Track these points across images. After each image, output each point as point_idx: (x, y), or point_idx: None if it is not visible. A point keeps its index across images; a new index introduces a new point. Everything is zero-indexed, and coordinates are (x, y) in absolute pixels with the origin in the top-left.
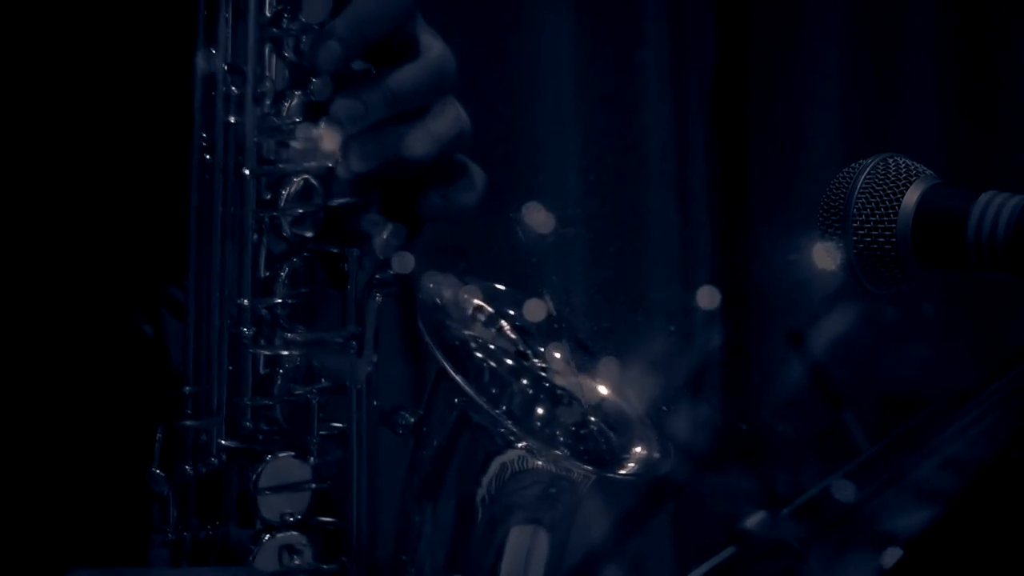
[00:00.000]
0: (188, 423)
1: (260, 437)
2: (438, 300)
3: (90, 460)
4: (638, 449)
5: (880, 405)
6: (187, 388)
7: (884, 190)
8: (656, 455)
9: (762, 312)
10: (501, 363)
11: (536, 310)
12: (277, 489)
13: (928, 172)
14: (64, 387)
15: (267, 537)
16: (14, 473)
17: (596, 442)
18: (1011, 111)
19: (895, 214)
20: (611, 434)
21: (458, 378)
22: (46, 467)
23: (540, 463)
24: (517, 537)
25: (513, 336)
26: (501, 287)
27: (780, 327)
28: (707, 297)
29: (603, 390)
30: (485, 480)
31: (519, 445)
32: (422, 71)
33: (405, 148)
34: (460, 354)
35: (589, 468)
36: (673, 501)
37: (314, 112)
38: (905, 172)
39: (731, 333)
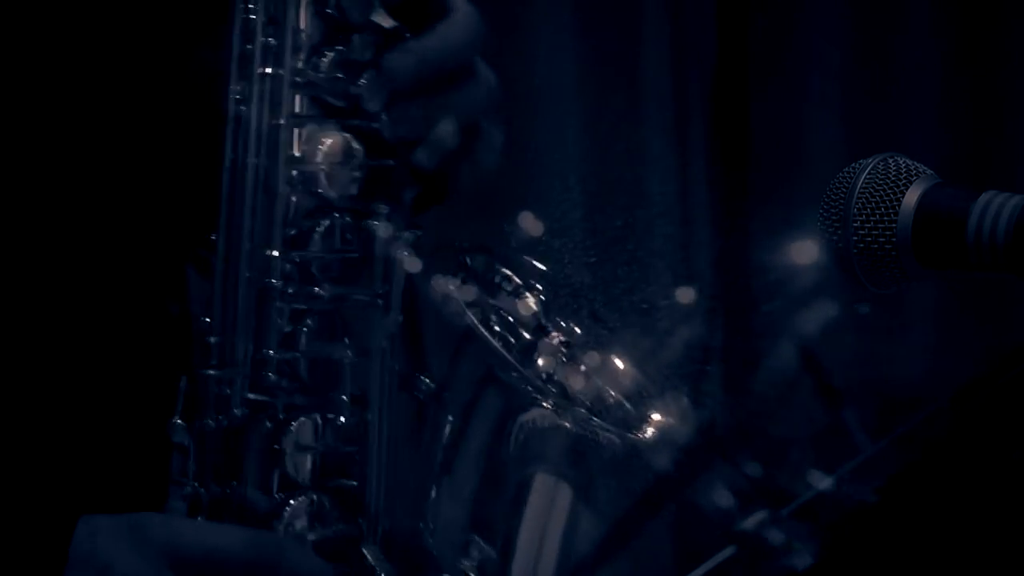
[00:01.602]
0: (211, 372)
1: (282, 392)
2: (468, 264)
3: (108, 411)
4: (657, 416)
5: (880, 405)
6: (212, 338)
7: (884, 190)
8: (675, 422)
9: (763, 312)
10: (521, 336)
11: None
12: (298, 449)
13: (928, 172)
14: (83, 337)
15: (287, 499)
16: (31, 421)
17: (614, 413)
18: (1011, 111)
19: (895, 214)
20: (627, 404)
21: (486, 334)
22: (59, 418)
23: (566, 423)
24: (541, 485)
25: (535, 308)
26: (534, 262)
27: (781, 327)
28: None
29: (619, 363)
30: (509, 438)
31: (545, 404)
32: (458, 29)
33: (445, 112)
34: (485, 319)
35: (612, 428)
36: (673, 502)
37: (351, 69)
38: (905, 172)
39: (732, 333)
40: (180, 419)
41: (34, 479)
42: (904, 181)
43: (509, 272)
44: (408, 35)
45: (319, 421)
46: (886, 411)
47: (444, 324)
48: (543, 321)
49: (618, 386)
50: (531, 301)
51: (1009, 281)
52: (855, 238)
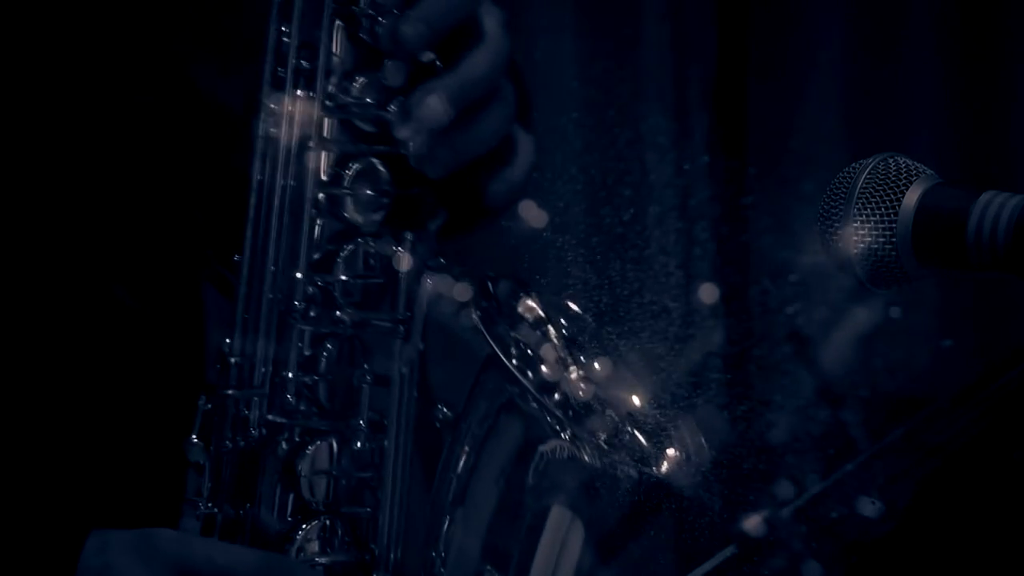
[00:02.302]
0: (230, 392)
1: (300, 415)
2: (492, 293)
3: (120, 426)
4: (671, 452)
5: (880, 405)
6: (232, 359)
7: (884, 190)
8: (688, 457)
9: (763, 312)
10: (539, 370)
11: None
12: (314, 473)
13: (928, 172)
14: (95, 350)
15: (300, 522)
16: (47, 435)
17: (630, 448)
18: (1011, 111)
19: (895, 214)
20: (643, 440)
21: (509, 364)
22: (73, 431)
23: (584, 456)
24: (556, 519)
25: (557, 343)
26: (570, 303)
27: (782, 327)
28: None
29: (636, 400)
30: (525, 469)
31: (563, 436)
32: (490, 55)
33: (477, 145)
34: (506, 349)
35: (630, 461)
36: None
37: (382, 95)
38: (905, 172)
39: (732, 333)
40: (197, 438)
41: (48, 493)
42: (904, 181)
43: (533, 303)
44: (438, 62)
45: (335, 446)
46: (886, 411)
47: (465, 351)
48: (563, 354)
49: (635, 421)
50: (553, 334)
51: (1009, 281)
52: (855, 238)
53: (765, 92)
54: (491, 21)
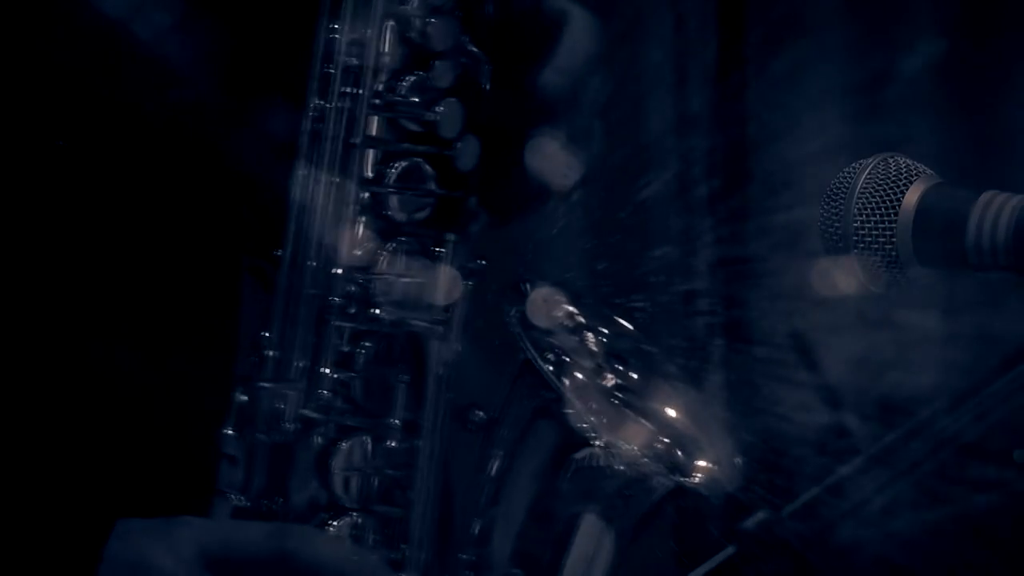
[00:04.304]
0: (266, 385)
1: (335, 411)
2: (529, 298)
3: (154, 418)
4: (703, 463)
5: (880, 405)
6: (270, 352)
7: (884, 190)
8: (720, 469)
9: (763, 312)
10: (574, 375)
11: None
12: (347, 470)
13: (928, 172)
14: (127, 339)
15: (331, 519)
16: (79, 426)
17: (663, 458)
18: (1011, 111)
19: (895, 214)
20: (677, 450)
21: (547, 368)
22: (105, 423)
23: (619, 463)
24: (588, 527)
25: (595, 350)
26: (620, 319)
27: (782, 327)
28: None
29: (670, 411)
30: (558, 475)
31: (598, 443)
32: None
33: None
34: (543, 354)
35: (665, 470)
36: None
37: (430, 95)
38: (905, 172)
39: (732, 333)
40: (232, 430)
41: (79, 482)
42: (904, 181)
43: (573, 308)
44: (487, 61)
45: (370, 443)
46: (886, 411)
47: (501, 354)
48: (600, 362)
49: (668, 432)
50: (591, 340)
51: (1009, 281)
52: (855, 238)
53: (765, 92)
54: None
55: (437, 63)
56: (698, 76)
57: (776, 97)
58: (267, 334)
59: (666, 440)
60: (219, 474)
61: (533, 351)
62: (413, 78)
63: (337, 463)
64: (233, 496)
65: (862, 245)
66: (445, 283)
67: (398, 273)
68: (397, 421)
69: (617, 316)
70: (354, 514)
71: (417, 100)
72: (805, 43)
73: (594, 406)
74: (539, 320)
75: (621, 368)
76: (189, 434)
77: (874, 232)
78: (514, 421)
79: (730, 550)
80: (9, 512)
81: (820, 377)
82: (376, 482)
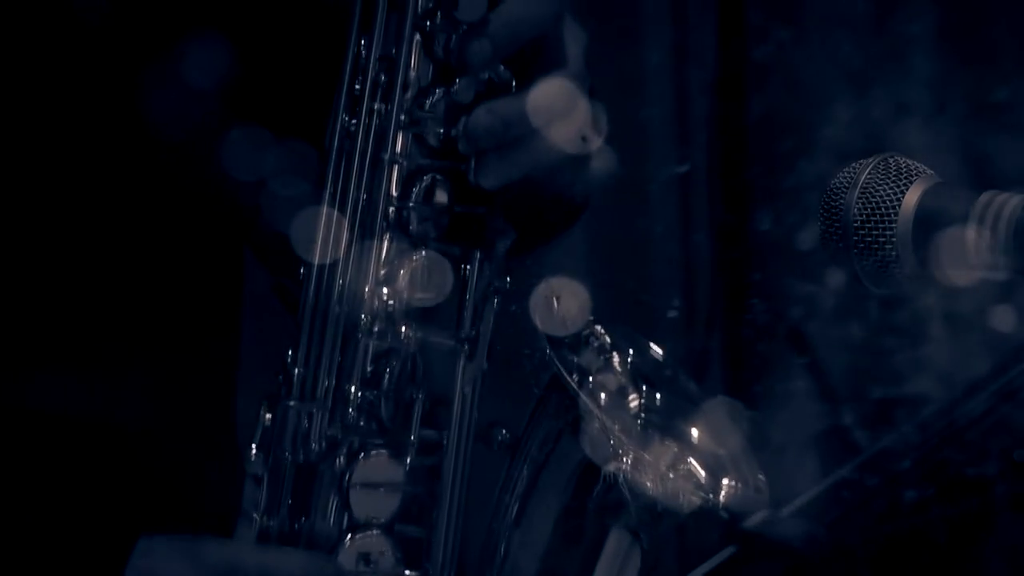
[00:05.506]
0: (291, 404)
1: (360, 430)
2: (558, 313)
3: (179, 436)
4: (727, 481)
5: (880, 405)
6: (296, 370)
7: (884, 190)
8: (746, 490)
9: (763, 312)
10: (598, 397)
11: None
12: (369, 486)
13: (928, 172)
14: (149, 353)
15: (350, 537)
16: (103, 443)
17: (689, 477)
18: (1011, 111)
19: (895, 214)
20: (702, 470)
21: (574, 384)
22: (129, 440)
23: (647, 480)
24: (615, 542)
25: (619, 370)
26: (652, 345)
27: (782, 327)
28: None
29: (695, 431)
30: (585, 493)
31: (625, 460)
32: (563, 81)
33: (537, 165)
34: (570, 372)
35: (692, 488)
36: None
37: (456, 112)
38: (905, 172)
39: (732, 333)
40: (257, 449)
41: (103, 499)
42: (904, 181)
43: (601, 328)
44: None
45: (393, 461)
46: (886, 411)
47: (526, 371)
48: (625, 382)
49: (694, 452)
50: (616, 361)
51: (1009, 281)
52: (855, 238)
53: (765, 92)
54: (575, 49)
55: (460, 79)
56: (698, 76)
57: (776, 97)
58: (291, 352)
59: (692, 459)
60: (243, 493)
61: (560, 366)
62: (437, 94)
63: (361, 482)
64: (256, 515)
65: (862, 245)
66: (471, 300)
67: (424, 290)
68: (422, 440)
69: (643, 337)
70: (377, 532)
71: (440, 116)
72: (806, 42)
73: (619, 425)
74: (559, 320)
75: (646, 388)
76: (214, 452)
77: (874, 232)
78: (540, 439)
79: (730, 550)
80: (32, 529)
81: (820, 377)
82: (399, 501)
